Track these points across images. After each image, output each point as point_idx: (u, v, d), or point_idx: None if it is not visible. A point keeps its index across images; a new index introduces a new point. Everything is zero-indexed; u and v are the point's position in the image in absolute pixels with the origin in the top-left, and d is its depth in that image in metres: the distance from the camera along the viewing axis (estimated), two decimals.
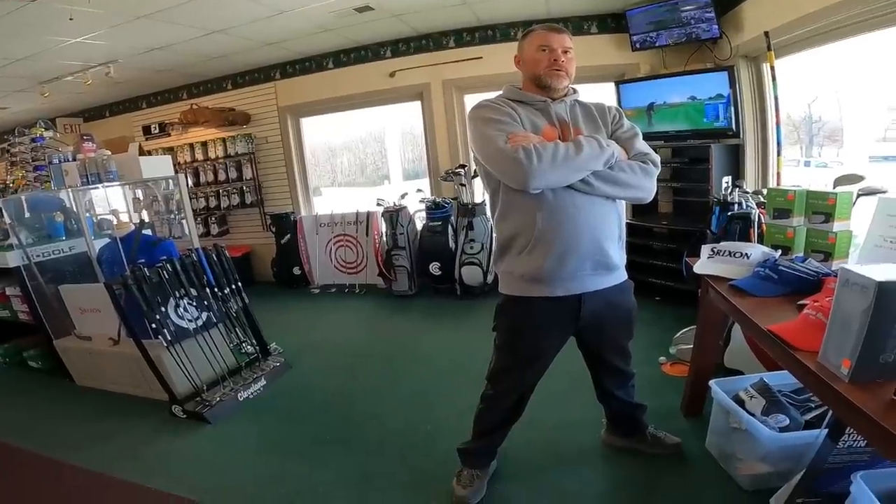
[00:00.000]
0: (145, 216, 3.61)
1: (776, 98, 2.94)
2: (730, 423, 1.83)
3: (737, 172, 3.52)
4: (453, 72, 4.56)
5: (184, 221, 3.51)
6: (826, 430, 1.44)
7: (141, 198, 3.71)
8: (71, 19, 3.00)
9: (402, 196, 4.82)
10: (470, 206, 4.44)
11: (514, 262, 1.53)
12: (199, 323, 2.75)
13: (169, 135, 5.69)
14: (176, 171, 4.10)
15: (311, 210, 5.56)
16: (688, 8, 3.55)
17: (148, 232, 3.25)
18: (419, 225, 4.78)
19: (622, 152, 1.51)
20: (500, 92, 1.62)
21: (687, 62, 3.87)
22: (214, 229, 5.59)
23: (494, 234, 1.61)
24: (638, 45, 3.93)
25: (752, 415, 1.74)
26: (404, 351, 3.39)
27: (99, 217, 3.63)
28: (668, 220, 3.99)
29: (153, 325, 2.51)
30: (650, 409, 2.03)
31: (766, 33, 2.70)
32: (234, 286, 2.95)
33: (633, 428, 1.98)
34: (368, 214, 4.95)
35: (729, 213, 2.86)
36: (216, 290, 2.86)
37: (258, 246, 5.63)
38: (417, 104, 4.91)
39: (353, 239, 5.04)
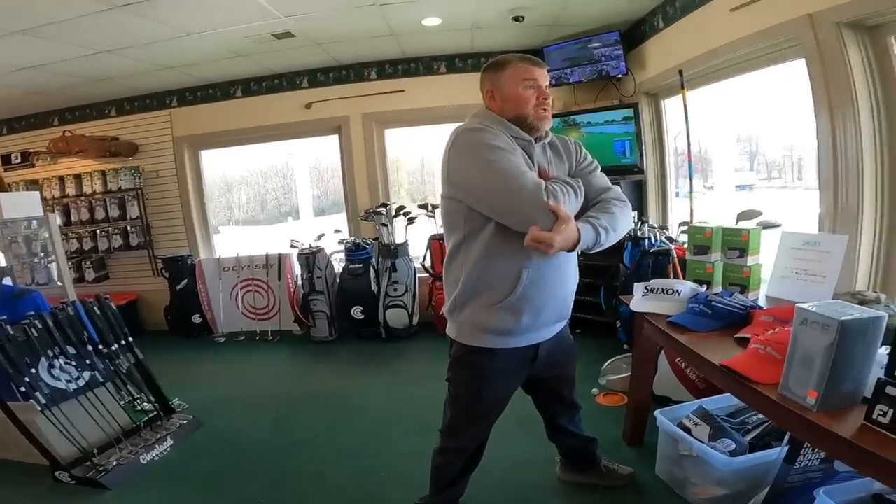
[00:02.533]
0: (2, 260, 3.16)
1: (688, 134, 3.19)
2: (680, 450, 1.90)
3: (642, 208, 3.75)
4: (374, 105, 4.41)
5: (52, 265, 3.06)
6: (781, 453, 1.56)
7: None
8: None
9: (319, 237, 4.54)
10: (393, 248, 4.30)
11: (483, 315, 1.42)
12: (80, 383, 2.49)
13: (33, 165, 4.85)
14: (52, 209, 3.54)
15: (212, 252, 5.02)
16: (599, 46, 3.78)
17: (8, 281, 2.91)
18: (338, 267, 4.52)
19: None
20: (476, 119, 1.43)
21: (596, 99, 4.12)
22: (90, 275, 4.80)
23: (461, 277, 1.41)
24: (554, 82, 4.10)
25: (701, 441, 1.83)
26: (334, 399, 3.16)
27: None
28: (585, 255, 4.16)
29: (21, 389, 2.26)
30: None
31: (680, 71, 2.93)
32: (123, 341, 2.72)
33: (589, 462, 1.98)
34: (280, 257, 4.61)
35: (651, 250, 3.03)
36: (100, 346, 2.60)
37: (147, 292, 4.94)
38: (335, 138, 4.68)
39: (264, 283, 4.67)
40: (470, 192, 1.36)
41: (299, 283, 4.49)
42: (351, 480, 2.22)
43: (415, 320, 4.27)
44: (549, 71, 4.49)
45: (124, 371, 2.71)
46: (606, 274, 3.54)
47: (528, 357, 1.53)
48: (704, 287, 1.99)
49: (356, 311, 4.25)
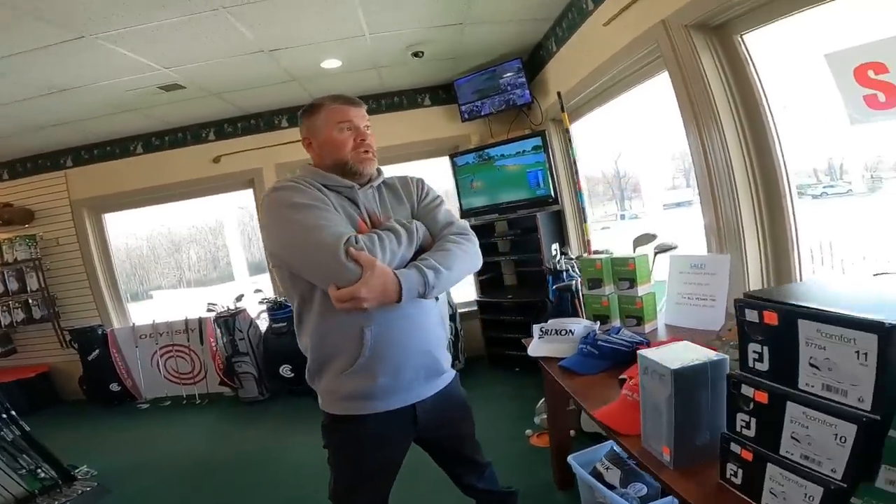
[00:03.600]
0: None
1: (574, 161, 3.13)
2: (596, 497, 1.82)
3: (563, 239, 3.67)
4: (289, 154, 4.22)
5: None
6: None
7: None
8: None
9: (238, 298, 4.33)
10: None
11: (337, 382, 1.31)
12: None
13: None
14: None
15: (126, 320, 4.72)
16: (504, 75, 3.76)
17: None
18: (263, 326, 4.30)
19: (424, 230, 1.36)
20: (288, 176, 1.39)
21: (509, 130, 4.08)
22: None
23: (306, 346, 1.34)
24: (467, 116, 4.07)
25: (613, 487, 1.77)
26: (259, 460, 3.03)
27: None
28: (513, 292, 4.10)
29: None
30: (525, 487, 1.95)
31: (559, 93, 2.89)
32: (5, 415, 2.77)
33: None
34: (200, 321, 4.40)
35: (554, 286, 2.92)
36: None
37: (59, 363, 4.61)
38: (250, 192, 4.49)
39: (186, 348, 4.45)
40: (277, 254, 1.26)
41: (221, 345, 4.29)
42: None
43: None
44: (461, 104, 4.39)
45: (10, 441, 2.70)
46: (534, 310, 3.44)
47: (405, 420, 1.37)
48: (598, 324, 1.89)
49: (285, 370, 4.04)
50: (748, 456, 0.84)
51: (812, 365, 0.66)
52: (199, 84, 3.39)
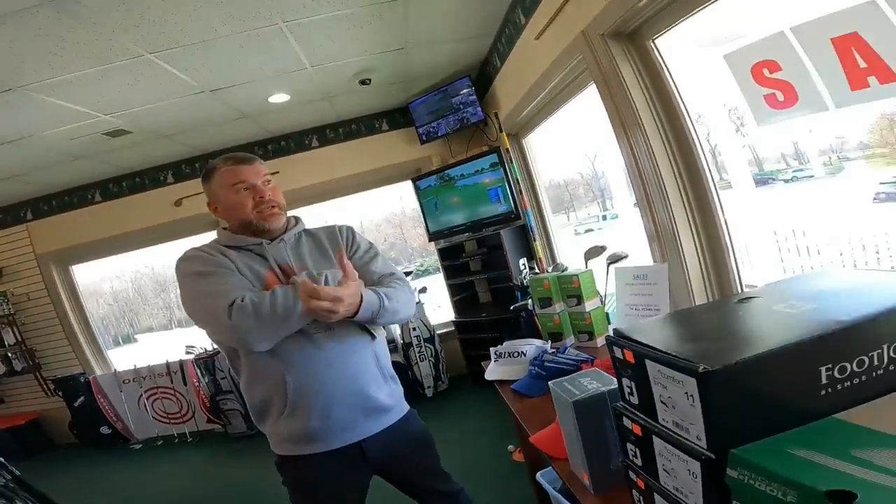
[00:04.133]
0: None
1: (515, 180, 3.12)
2: None
3: (530, 253, 3.64)
4: None
5: None
6: None
7: None
8: None
9: None
10: None
11: (277, 426, 1.34)
12: None
13: None
14: None
15: (107, 367, 4.72)
16: (457, 94, 3.78)
17: None
18: None
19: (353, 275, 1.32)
20: (214, 237, 1.42)
21: (468, 149, 4.09)
22: None
23: (245, 395, 1.39)
24: (425, 138, 4.08)
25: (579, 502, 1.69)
26: (253, 493, 3.11)
27: None
28: (488, 310, 4.08)
29: None
30: (509, 503, 2.09)
31: (496, 114, 2.89)
32: None
33: None
34: (181, 363, 4.42)
35: (511, 306, 2.90)
36: None
37: (47, 411, 4.62)
38: (214, 234, 4.45)
39: (171, 390, 4.51)
40: (192, 318, 1.31)
41: (205, 385, 4.29)
42: None
43: None
44: (418, 127, 4.39)
45: (2, 486, 2.69)
46: (509, 326, 3.42)
47: (352, 457, 1.37)
48: (548, 344, 1.88)
49: None
50: (641, 484, 0.82)
51: (662, 402, 0.65)
52: (145, 128, 3.38)
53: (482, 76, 3.76)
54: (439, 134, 3.99)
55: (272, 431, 1.37)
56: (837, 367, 0.55)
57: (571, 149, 3.98)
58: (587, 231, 4.83)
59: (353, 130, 4.33)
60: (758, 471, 0.53)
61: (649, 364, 0.65)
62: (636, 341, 0.68)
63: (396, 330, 4.06)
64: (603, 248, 2.12)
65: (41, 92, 2.50)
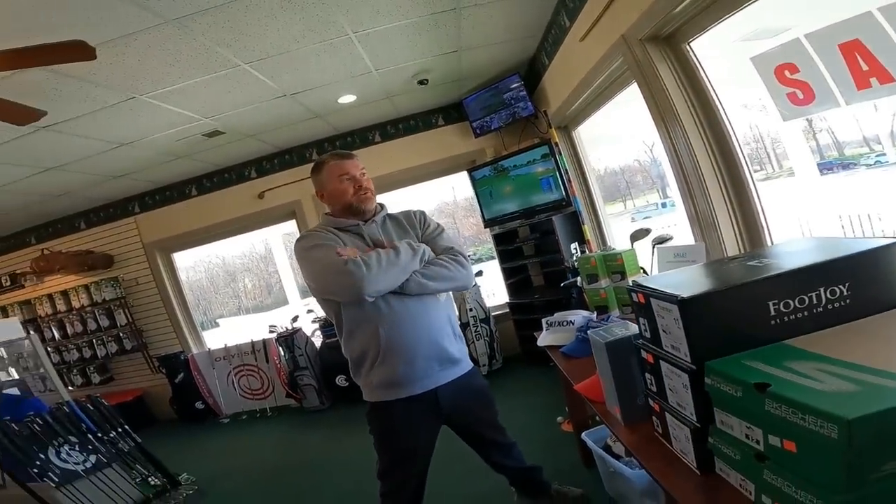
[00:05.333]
0: (14, 373, 3.76)
1: (565, 171, 3.25)
2: (608, 468, 2.00)
3: (581, 238, 3.81)
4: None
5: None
6: None
7: (5, 356, 3.77)
8: None
9: (294, 319, 4.80)
10: None
11: (370, 374, 1.64)
12: (88, 465, 2.94)
13: (23, 286, 5.16)
14: (30, 329, 3.93)
15: (202, 346, 5.29)
16: (507, 90, 3.99)
17: (15, 390, 3.40)
18: (318, 342, 4.75)
19: (430, 250, 1.69)
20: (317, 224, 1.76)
21: (520, 141, 4.29)
22: (95, 378, 5.15)
23: (345, 353, 1.70)
24: (478, 131, 4.32)
25: (619, 457, 1.96)
26: (328, 460, 3.42)
27: None
28: (541, 292, 4.29)
29: (35, 470, 2.70)
30: (555, 467, 2.25)
31: (545, 112, 3.06)
32: (119, 429, 3.21)
33: (538, 489, 2.05)
34: (265, 342, 4.87)
35: (561, 284, 3.08)
36: (100, 434, 3.08)
37: (151, 388, 5.22)
38: (293, 223, 4.95)
39: (254, 367, 4.94)
40: (309, 284, 1.65)
41: (284, 362, 4.75)
42: None
43: None
44: (472, 121, 4.61)
45: (126, 452, 3.16)
46: (560, 306, 3.61)
47: (428, 404, 1.66)
48: (595, 314, 2.08)
49: (340, 380, 4.45)
50: (657, 407, 1.06)
51: (663, 330, 0.89)
52: (235, 128, 3.85)
53: (531, 72, 3.94)
54: (492, 127, 4.22)
55: (365, 381, 1.67)
56: (783, 303, 0.78)
57: (628, 137, 4.07)
58: (645, 219, 4.86)
59: (411, 126, 4.64)
60: (722, 375, 0.77)
61: (653, 301, 0.89)
62: (645, 286, 0.93)
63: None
64: (648, 231, 2.27)
65: (157, 99, 2.94)
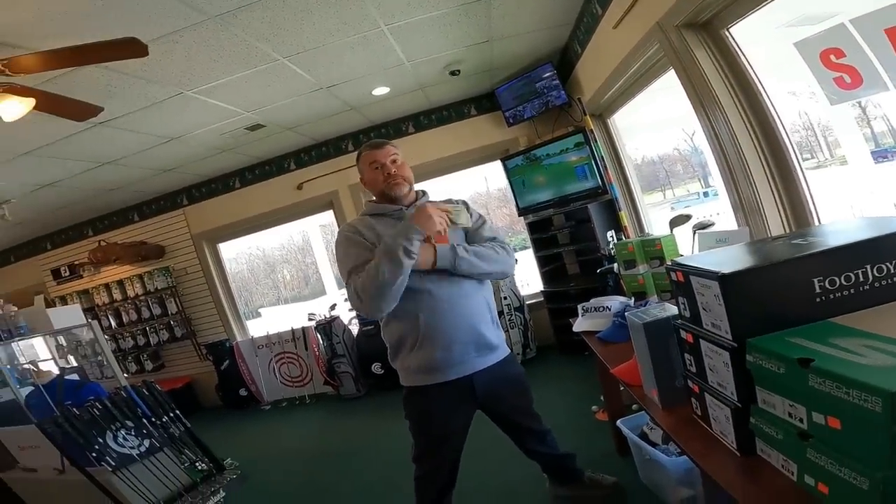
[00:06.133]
0: (73, 361, 3.86)
1: (601, 157, 3.19)
2: (643, 455, 1.99)
3: (618, 225, 3.76)
4: (357, 175, 4.76)
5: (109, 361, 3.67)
6: None
7: (64, 344, 3.97)
8: None
9: (332, 307, 4.93)
10: None
11: (408, 359, 1.67)
12: (143, 449, 3.03)
13: (81, 276, 5.49)
14: (89, 318, 4.08)
15: (246, 334, 5.51)
16: (539, 79, 3.96)
17: (75, 376, 3.44)
18: (355, 330, 4.86)
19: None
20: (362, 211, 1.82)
21: (553, 130, 4.25)
22: (149, 365, 5.44)
23: (384, 337, 1.73)
24: (511, 121, 4.30)
25: (656, 444, 1.94)
26: (364, 446, 3.51)
27: (21, 367, 3.71)
28: (576, 280, 4.26)
29: (93, 455, 2.76)
30: (589, 455, 2.24)
31: (579, 99, 3.01)
32: (171, 414, 3.28)
33: (570, 476, 2.06)
34: (304, 330, 5.02)
35: (598, 270, 3.03)
36: (153, 419, 3.16)
37: (198, 375, 5.48)
38: (330, 213, 5.07)
39: (294, 355, 5.09)
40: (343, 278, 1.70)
41: (323, 350, 4.90)
42: None
43: None
44: (505, 111, 4.56)
45: (177, 437, 3.30)
46: (596, 294, 3.58)
47: (464, 390, 1.69)
48: (632, 300, 2.06)
49: (376, 368, 4.57)
50: (696, 388, 1.05)
51: (704, 308, 0.88)
52: (275, 122, 3.97)
53: (564, 61, 3.89)
54: (525, 117, 4.20)
55: (403, 365, 1.70)
56: (828, 280, 0.77)
57: (666, 125, 3.95)
58: (685, 208, 4.72)
59: (444, 116, 4.67)
60: (764, 352, 0.77)
61: (693, 279, 0.89)
62: (683, 264, 0.93)
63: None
64: (688, 217, 2.22)
65: (203, 94, 3.06)
